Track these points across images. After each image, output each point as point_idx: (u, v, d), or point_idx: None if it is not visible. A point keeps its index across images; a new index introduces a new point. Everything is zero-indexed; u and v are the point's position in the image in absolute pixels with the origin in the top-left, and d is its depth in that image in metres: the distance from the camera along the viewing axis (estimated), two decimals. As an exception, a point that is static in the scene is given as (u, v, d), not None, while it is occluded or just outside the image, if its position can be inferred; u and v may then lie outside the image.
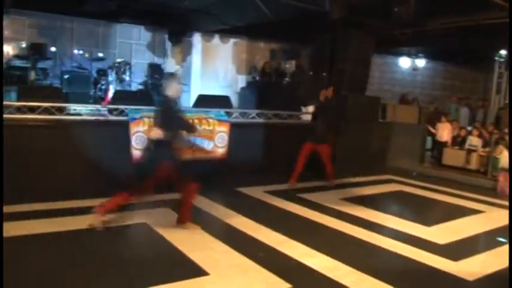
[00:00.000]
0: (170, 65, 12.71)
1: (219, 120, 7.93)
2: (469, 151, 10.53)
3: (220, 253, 4.69)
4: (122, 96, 8.40)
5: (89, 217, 5.38)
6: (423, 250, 5.13)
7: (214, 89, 12.31)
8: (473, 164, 10.34)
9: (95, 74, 10.90)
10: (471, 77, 19.07)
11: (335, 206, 6.91)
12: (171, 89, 5.11)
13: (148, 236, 5.23)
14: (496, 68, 17.69)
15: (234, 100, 11.58)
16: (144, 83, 11.54)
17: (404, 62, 17.21)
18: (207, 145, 7.75)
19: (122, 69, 10.90)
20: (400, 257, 4.94)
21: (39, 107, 6.73)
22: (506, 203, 7.91)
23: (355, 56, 10.12)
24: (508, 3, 7.80)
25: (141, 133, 7.05)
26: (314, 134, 7.94)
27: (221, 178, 7.74)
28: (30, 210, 5.63)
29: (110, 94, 10.07)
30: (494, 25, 9.49)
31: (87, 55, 11.64)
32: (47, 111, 6.80)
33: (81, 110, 7.68)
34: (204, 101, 8.65)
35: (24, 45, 10.69)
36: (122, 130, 7.03)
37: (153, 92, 10.26)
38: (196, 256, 4.50)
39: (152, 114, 7.10)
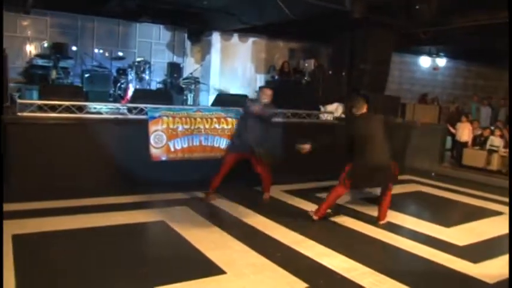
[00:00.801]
0: (189, 64, 12.79)
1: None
2: (490, 151, 10.37)
3: (237, 252, 4.70)
4: (141, 95, 8.47)
5: (106, 214, 5.47)
6: (442, 252, 5.07)
7: (233, 88, 12.34)
8: (495, 165, 10.17)
9: (114, 73, 11.02)
10: (494, 76, 18.75)
11: (353, 206, 6.88)
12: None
13: (166, 234, 5.25)
14: (519, 66, 17.37)
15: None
16: (164, 82, 11.63)
17: (424, 61, 17.00)
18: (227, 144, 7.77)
19: (142, 68, 10.99)
20: (419, 259, 4.89)
21: (60, 105, 6.83)
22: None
23: (374, 55, 10.05)
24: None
25: (160, 132, 7.11)
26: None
27: (239, 177, 7.75)
28: (48, 208, 5.70)
29: (130, 93, 10.17)
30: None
31: (107, 54, 11.80)
32: (67, 109, 6.90)
33: (101, 109, 7.78)
34: (223, 100, 8.67)
35: (46, 44, 10.90)
36: (141, 128, 7.10)
37: (172, 91, 10.34)
38: (213, 255, 4.52)
39: (170, 113, 7.22)
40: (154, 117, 7.17)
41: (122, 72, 10.94)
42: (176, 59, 12.69)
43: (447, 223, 6.27)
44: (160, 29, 12.62)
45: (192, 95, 10.75)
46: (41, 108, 6.82)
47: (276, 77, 12.74)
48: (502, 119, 13.58)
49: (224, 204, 6.51)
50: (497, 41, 12.30)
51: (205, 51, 13.07)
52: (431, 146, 10.69)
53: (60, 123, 6.68)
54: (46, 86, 8.83)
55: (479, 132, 11.08)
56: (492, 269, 4.72)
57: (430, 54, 16.66)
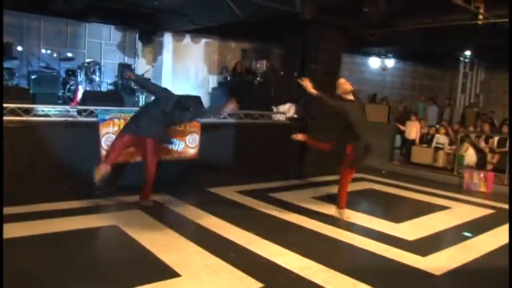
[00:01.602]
0: (141, 65, 12.59)
1: (190, 121, 7.89)
2: (436, 149, 10.78)
3: (191, 254, 4.67)
4: (92, 97, 8.26)
5: (58, 220, 5.32)
6: (393, 247, 5.23)
7: (186, 89, 12.23)
8: (440, 162, 10.59)
9: (63, 75, 10.67)
10: (438, 77, 19.52)
11: (306, 205, 6.98)
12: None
13: (119, 239, 5.16)
14: (461, 68, 18.26)
15: (206, 100, 11.56)
16: (114, 84, 11.38)
17: (373, 62, 17.42)
18: (178, 145, 7.71)
19: (92, 70, 10.69)
20: (371, 254, 5.02)
21: (5, 108, 6.55)
22: (472, 199, 8.16)
23: (325, 55, 10.21)
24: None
25: (111, 134, 6.96)
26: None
27: (192, 179, 7.72)
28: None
29: (79, 95, 9.89)
30: (458, 27, 9.77)
31: (55, 55, 11.41)
32: (13, 112, 6.64)
33: (49, 111, 7.53)
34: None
35: (-12, 44, 10.42)
36: (91, 131, 6.94)
37: (124, 93, 10.14)
38: (167, 257, 4.48)
39: (122, 115, 7.09)
40: (105, 120, 7.03)
41: (71, 73, 10.61)
42: (127, 60, 12.43)
43: (397, 219, 6.47)
44: (111, 29, 12.34)
45: (144, 97, 10.57)
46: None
47: (229, 78, 12.74)
48: (446, 118, 14.22)
49: (177, 207, 6.46)
50: (439, 43, 12.82)
51: (157, 52, 12.90)
52: (382, 144, 10.99)
53: (6, 126, 6.41)
54: (-12, 87, 8.46)
55: (426, 130, 11.51)
56: (439, 261, 4.91)
57: (379, 55, 17.10)
